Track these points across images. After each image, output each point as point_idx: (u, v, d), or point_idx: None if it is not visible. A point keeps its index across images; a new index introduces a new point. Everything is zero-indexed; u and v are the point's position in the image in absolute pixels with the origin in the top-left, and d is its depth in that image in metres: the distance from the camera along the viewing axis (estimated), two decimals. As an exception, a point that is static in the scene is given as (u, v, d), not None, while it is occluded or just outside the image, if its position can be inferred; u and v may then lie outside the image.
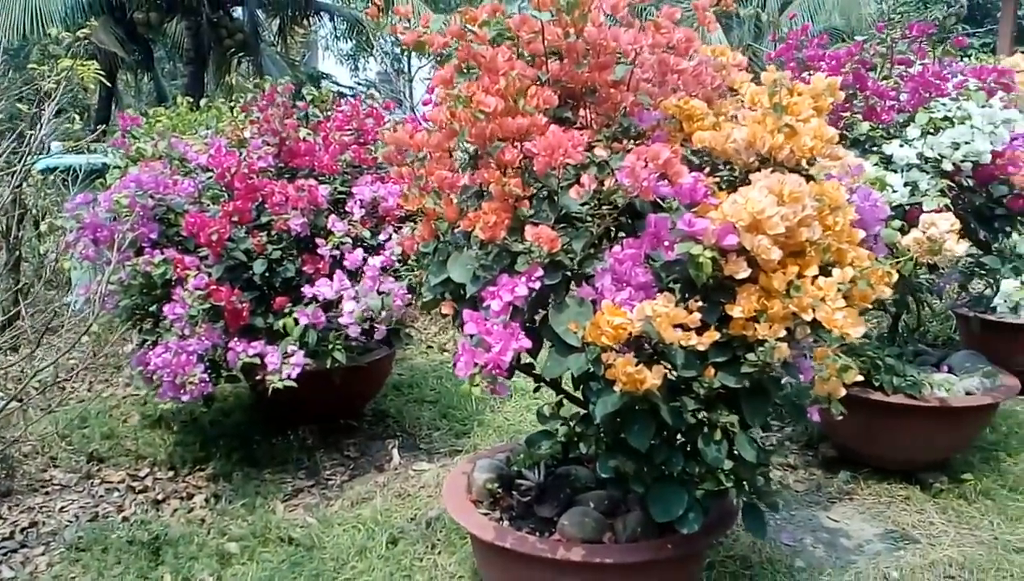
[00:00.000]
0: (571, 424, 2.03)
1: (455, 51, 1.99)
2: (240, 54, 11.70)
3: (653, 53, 2.00)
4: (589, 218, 1.80)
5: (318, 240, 3.01)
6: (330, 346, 3.13)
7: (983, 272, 3.16)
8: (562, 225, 1.89)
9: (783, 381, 1.88)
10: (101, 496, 3.35)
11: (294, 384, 2.93)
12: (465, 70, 2.02)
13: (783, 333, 1.66)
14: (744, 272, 1.67)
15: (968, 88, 2.86)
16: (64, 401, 4.22)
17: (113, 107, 13.67)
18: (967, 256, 3.49)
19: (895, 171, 2.82)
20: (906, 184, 2.83)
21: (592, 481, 2.30)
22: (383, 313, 2.70)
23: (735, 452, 1.84)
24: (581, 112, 2.13)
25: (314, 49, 19.15)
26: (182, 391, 2.82)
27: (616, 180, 1.72)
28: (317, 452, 3.64)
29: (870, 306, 1.81)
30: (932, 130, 2.87)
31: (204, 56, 11.32)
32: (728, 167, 2.05)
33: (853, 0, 15.16)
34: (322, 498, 3.28)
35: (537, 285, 1.76)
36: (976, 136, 2.87)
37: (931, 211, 2.34)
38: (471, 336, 1.74)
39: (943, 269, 3.53)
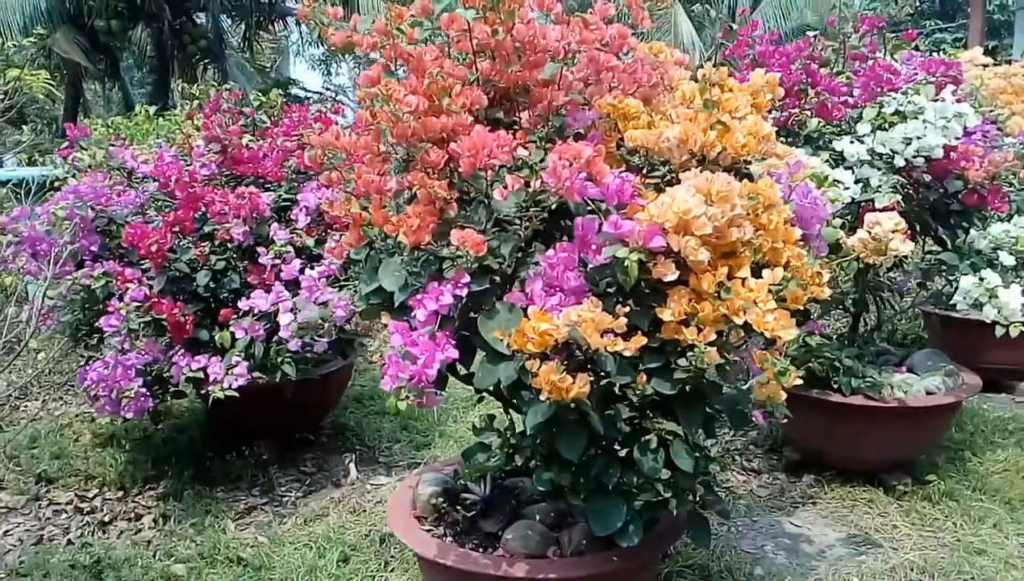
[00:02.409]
0: (505, 435, 1.96)
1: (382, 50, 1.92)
2: (205, 60, 11.57)
3: (586, 51, 1.94)
4: (517, 221, 1.73)
5: (259, 249, 2.93)
6: (279, 359, 3.05)
7: (942, 269, 3.11)
8: (496, 229, 1.82)
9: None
10: (48, 518, 3.25)
11: (235, 394, 2.84)
12: (393, 70, 1.95)
13: (713, 337, 1.60)
14: (673, 274, 1.61)
15: (917, 82, 2.81)
16: (15, 421, 4.11)
17: (80, 117, 13.51)
18: (926, 253, 3.46)
19: (849, 168, 2.77)
20: (857, 181, 2.78)
21: (539, 493, 2.23)
22: (325, 324, 2.62)
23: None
24: (516, 112, 2.07)
25: (285, 55, 19.01)
26: (121, 406, 2.73)
27: (543, 181, 1.65)
28: (272, 468, 3.55)
29: (814, 306, 1.77)
30: (882, 125, 2.82)
31: (167, 63, 11.18)
32: (668, 167, 1.99)
33: (825, -2, 15.24)
34: (275, 516, 3.20)
35: (464, 292, 1.69)
36: (928, 131, 2.82)
37: (877, 209, 2.29)
38: (397, 348, 1.67)
39: (906, 267, 3.50)
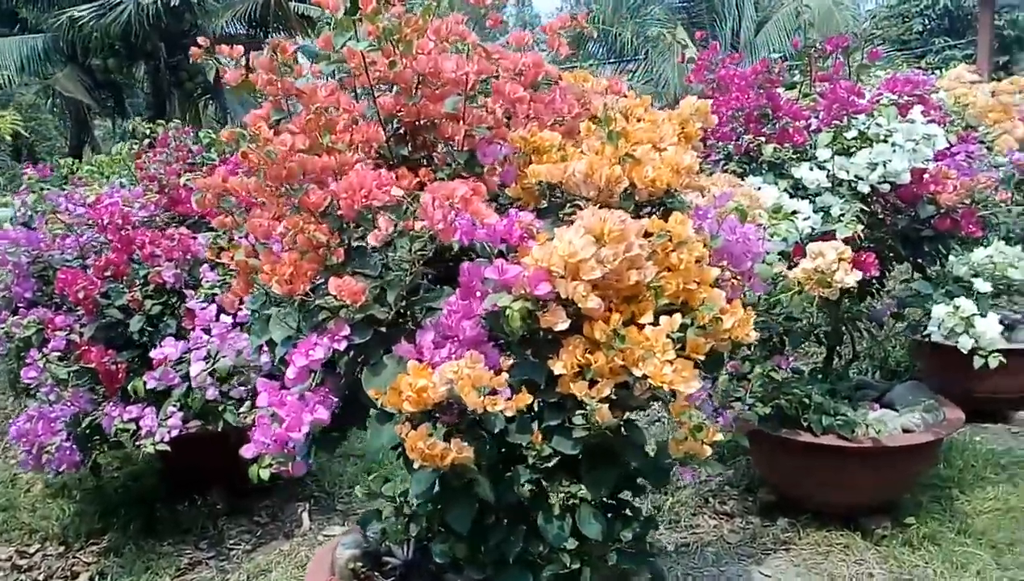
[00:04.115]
0: (399, 501, 1.80)
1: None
2: (205, 96, 11.57)
3: (503, 80, 1.81)
4: (404, 266, 1.59)
5: (188, 292, 2.80)
6: (220, 407, 2.91)
7: (917, 298, 2.93)
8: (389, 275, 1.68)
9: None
10: (-16, 576, 3.12)
11: (167, 448, 2.70)
12: (285, 107, 1.82)
13: (608, 392, 1.44)
14: (564, 323, 1.45)
15: (881, 103, 2.65)
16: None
17: (89, 153, 13.58)
18: (903, 281, 3.28)
19: (809, 196, 2.61)
20: (818, 210, 2.62)
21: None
22: (241, 372, 2.48)
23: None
24: (429, 149, 1.93)
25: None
26: (42, 462, 2.60)
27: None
28: (222, 519, 3.40)
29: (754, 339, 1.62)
30: (842, 150, 2.66)
31: (163, 100, 11.19)
32: (590, 203, 1.85)
33: (830, 17, 15.11)
34: (219, 572, 3.04)
35: (343, 345, 1.54)
36: (896, 155, 2.66)
37: (819, 240, 2.13)
38: (264, 408, 1.52)
39: (882, 296, 3.32)
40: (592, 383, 1.47)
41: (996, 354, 2.51)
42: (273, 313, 1.77)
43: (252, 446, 1.49)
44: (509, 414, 1.39)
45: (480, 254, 1.70)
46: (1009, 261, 2.89)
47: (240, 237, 1.87)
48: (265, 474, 1.47)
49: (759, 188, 2.63)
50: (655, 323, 1.47)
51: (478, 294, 1.49)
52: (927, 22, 21.64)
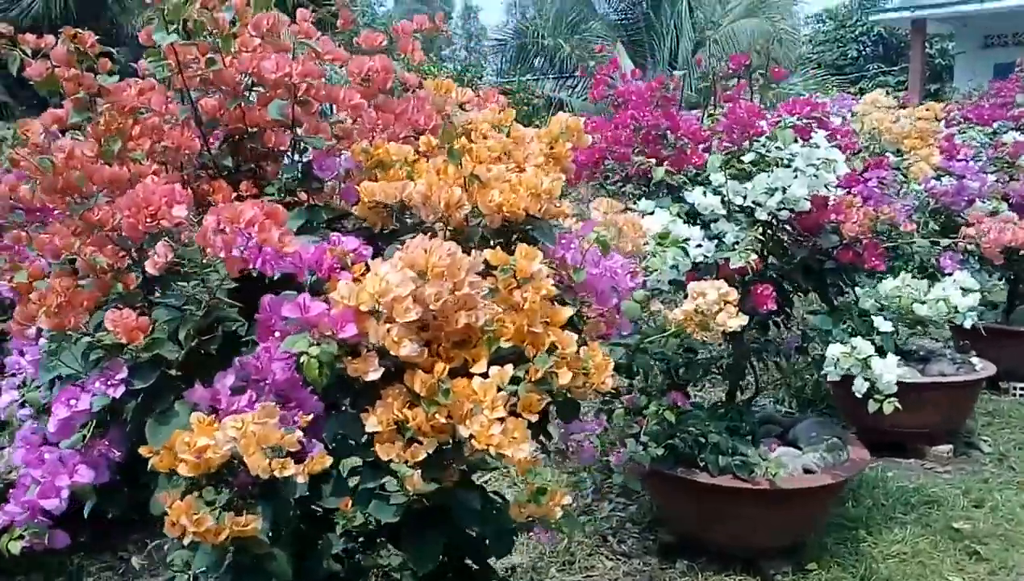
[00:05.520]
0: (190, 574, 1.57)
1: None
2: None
3: (354, 84, 1.60)
4: (199, 298, 1.36)
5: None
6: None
7: (820, 333, 2.78)
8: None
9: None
10: None
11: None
12: (88, 106, 1.58)
13: (425, 455, 1.23)
14: (376, 372, 1.24)
15: (779, 126, 2.50)
16: None
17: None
18: (808, 312, 3.15)
19: (699, 222, 2.44)
20: (712, 237, 2.45)
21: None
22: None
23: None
24: (259, 160, 1.71)
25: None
26: None
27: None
28: (79, 555, 3.10)
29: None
30: (742, 174, 2.50)
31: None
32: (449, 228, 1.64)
33: (767, 40, 15.21)
34: (65, 617, 2.75)
35: (119, 391, 1.31)
36: (796, 180, 2.51)
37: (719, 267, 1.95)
38: (21, 469, 1.28)
39: (785, 329, 3.18)
40: (413, 442, 1.26)
41: (892, 399, 2.37)
42: (68, 348, 1.53)
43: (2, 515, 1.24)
44: (300, 480, 1.17)
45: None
46: (915, 296, 2.75)
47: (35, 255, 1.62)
48: (16, 547, 1.23)
49: (652, 213, 2.46)
50: (485, 375, 1.26)
51: (277, 334, 1.27)
52: (862, 48, 22.07)
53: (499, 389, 1.25)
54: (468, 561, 1.67)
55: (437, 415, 1.23)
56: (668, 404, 2.66)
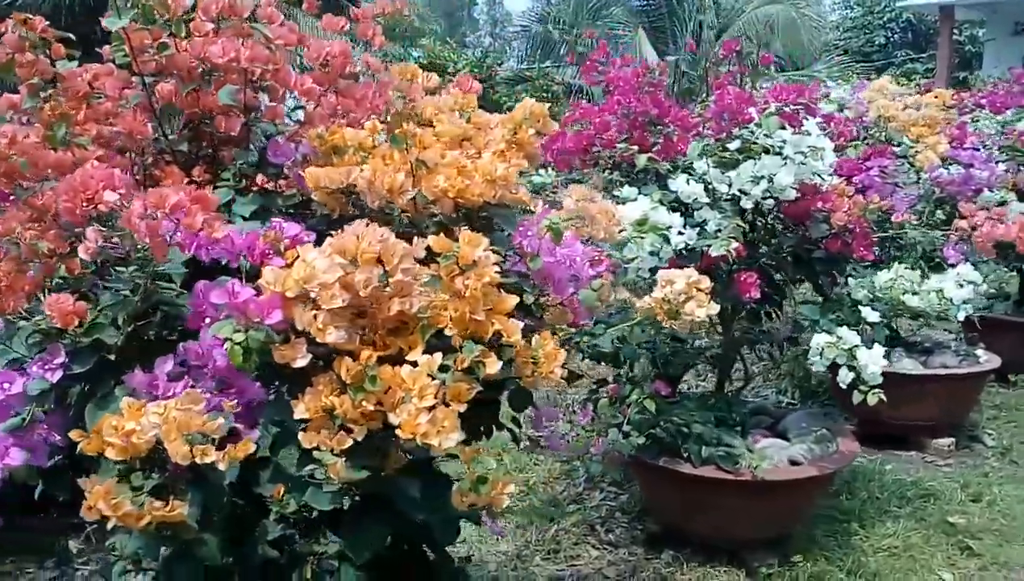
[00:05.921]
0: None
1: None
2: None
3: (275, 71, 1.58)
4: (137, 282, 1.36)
5: None
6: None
7: (810, 323, 2.74)
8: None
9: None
10: None
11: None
12: (42, 91, 1.59)
13: (349, 442, 1.22)
14: (303, 359, 1.23)
15: (765, 114, 2.46)
16: None
17: None
18: (801, 302, 3.10)
19: (678, 209, 2.41)
20: (695, 225, 2.42)
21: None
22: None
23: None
24: (216, 145, 1.71)
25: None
26: None
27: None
28: (70, 533, 3.14)
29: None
30: (728, 161, 2.47)
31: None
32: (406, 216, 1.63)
33: (792, 27, 14.98)
34: (55, 596, 2.79)
35: (56, 375, 1.31)
36: (783, 169, 2.47)
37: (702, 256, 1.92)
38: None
39: (777, 318, 3.14)
40: (343, 430, 1.26)
41: (876, 391, 2.33)
42: (18, 331, 1.53)
43: (-67, 494, 1.26)
44: (222, 467, 1.17)
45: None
46: (907, 287, 2.71)
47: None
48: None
49: (634, 199, 2.43)
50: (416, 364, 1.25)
51: (207, 320, 1.26)
52: (890, 35, 21.71)
53: (432, 378, 1.24)
54: (425, 548, 1.67)
55: (364, 403, 1.22)
56: (649, 393, 2.64)
